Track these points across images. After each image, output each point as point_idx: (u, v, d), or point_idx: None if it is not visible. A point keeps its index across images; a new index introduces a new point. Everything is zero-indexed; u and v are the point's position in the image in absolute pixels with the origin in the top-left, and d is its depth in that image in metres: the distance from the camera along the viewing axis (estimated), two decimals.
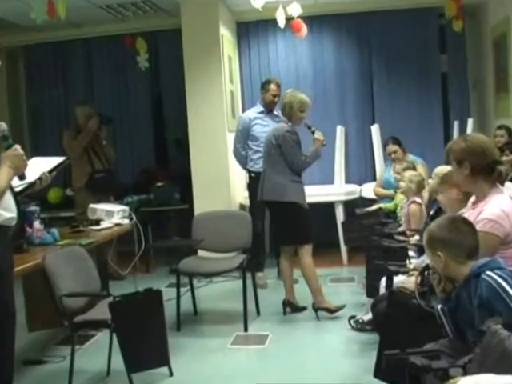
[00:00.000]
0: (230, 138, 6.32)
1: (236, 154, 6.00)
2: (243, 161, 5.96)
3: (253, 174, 5.83)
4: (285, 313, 4.81)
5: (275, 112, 5.87)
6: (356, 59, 7.23)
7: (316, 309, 4.68)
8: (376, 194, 6.14)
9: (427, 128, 7.11)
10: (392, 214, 5.41)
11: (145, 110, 7.93)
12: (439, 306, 2.43)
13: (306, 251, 4.68)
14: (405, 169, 5.14)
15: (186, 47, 6.39)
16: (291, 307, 4.86)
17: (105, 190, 6.11)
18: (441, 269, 2.37)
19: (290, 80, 6.93)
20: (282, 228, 4.80)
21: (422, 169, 5.58)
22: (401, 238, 4.19)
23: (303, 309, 4.90)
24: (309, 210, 4.78)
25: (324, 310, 4.67)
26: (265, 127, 5.73)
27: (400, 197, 5.22)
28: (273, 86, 5.78)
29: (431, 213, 3.95)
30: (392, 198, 5.60)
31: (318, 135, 4.78)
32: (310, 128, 4.83)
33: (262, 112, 5.87)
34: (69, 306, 3.46)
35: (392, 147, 5.96)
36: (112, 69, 7.83)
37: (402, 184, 4.76)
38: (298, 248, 4.69)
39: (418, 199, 4.60)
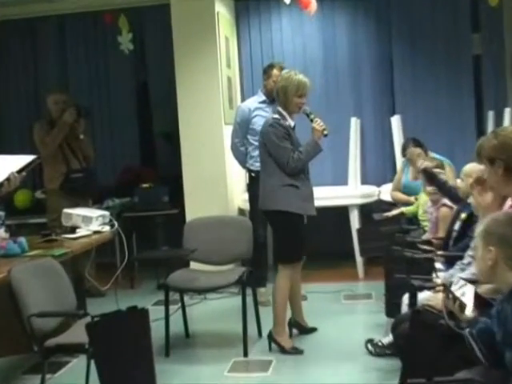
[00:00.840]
0: (227, 131, 6.30)
1: (234, 150, 5.99)
2: (242, 158, 5.95)
3: (253, 174, 5.82)
4: (291, 335, 4.79)
5: None
6: (374, 40, 7.23)
7: (271, 339, 4.60)
8: (394, 199, 6.13)
9: (457, 120, 7.10)
10: (415, 220, 5.41)
11: (128, 100, 7.93)
12: (467, 330, 2.41)
13: (285, 273, 4.55)
14: (436, 167, 5.13)
15: (175, 26, 6.39)
16: (299, 328, 4.84)
17: (82, 192, 6.10)
18: (487, 267, 2.35)
19: (296, 65, 6.91)
20: (276, 241, 4.81)
21: (449, 170, 5.56)
22: (426, 247, 4.18)
23: (312, 330, 4.88)
24: (311, 219, 4.61)
25: (277, 345, 4.56)
26: None
27: (423, 198, 5.22)
28: (276, 72, 5.76)
29: (462, 217, 3.94)
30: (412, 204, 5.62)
31: (316, 124, 4.54)
32: (308, 115, 4.61)
33: (263, 102, 5.86)
34: (39, 327, 3.44)
35: (415, 150, 5.86)
36: (90, 51, 7.84)
37: (432, 188, 4.74)
38: (278, 266, 4.63)
39: (449, 202, 4.60)
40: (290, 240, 4.50)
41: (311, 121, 4.58)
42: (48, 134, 6.07)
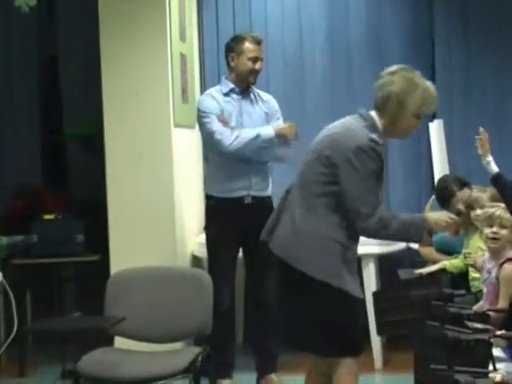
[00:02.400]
0: (179, 137, 6.33)
1: (239, 143, 5.84)
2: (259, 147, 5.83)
3: (213, 202, 5.85)
4: None
5: (255, 92, 6.01)
6: (405, 5, 7.32)
7: None
8: (427, 259, 6.15)
9: None
10: (463, 280, 5.47)
11: (25, 84, 7.93)
12: None
13: (348, 369, 4.34)
14: (493, 199, 5.18)
15: None
16: None
17: None
18: None
19: (286, 38, 7.01)
20: (301, 318, 4.38)
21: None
22: (478, 325, 4.19)
23: None
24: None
25: None
26: (239, 118, 5.84)
27: (477, 245, 5.31)
28: (250, 45, 5.86)
29: None
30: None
31: (446, 221, 4.42)
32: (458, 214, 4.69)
33: (231, 91, 5.91)
34: None
35: (464, 194, 5.92)
36: None
37: (493, 232, 4.76)
38: (332, 362, 4.38)
39: None
40: (335, 318, 4.27)
41: (457, 214, 4.69)
42: None
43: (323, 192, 4.24)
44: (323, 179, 4.24)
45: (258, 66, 5.86)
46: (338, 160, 4.19)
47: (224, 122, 5.72)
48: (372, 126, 4.25)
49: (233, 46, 5.94)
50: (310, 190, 4.30)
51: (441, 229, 4.57)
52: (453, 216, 4.44)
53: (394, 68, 4.42)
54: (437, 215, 4.42)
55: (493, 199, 5.25)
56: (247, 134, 5.64)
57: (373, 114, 4.31)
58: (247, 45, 5.86)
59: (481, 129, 4.98)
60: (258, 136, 5.62)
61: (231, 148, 5.66)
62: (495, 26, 7.20)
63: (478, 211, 5.38)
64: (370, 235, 4.31)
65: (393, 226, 4.20)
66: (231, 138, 5.66)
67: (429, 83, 4.35)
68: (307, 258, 4.19)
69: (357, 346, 4.37)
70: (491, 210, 4.88)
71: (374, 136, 4.18)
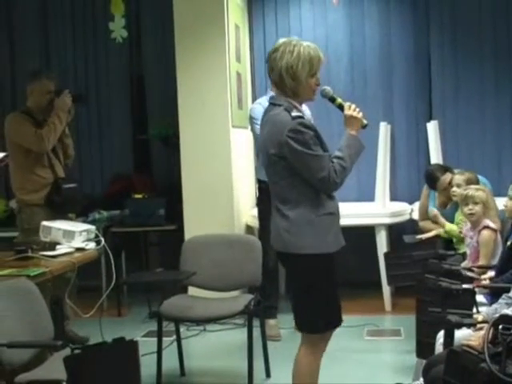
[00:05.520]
0: (236, 135, 6.30)
1: None
2: None
3: (263, 185, 5.83)
4: None
5: None
6: (409, 32, 7.24)
7: None
8: (425, 231, 6.06)
9: (507, 129, 7.06)
10: (453, 243, 5.46)
11: (120, 97, 7.94)
12: None
13: (311, 345, 3.69)
14: (468, 181, 5.14)
15: (177, 12, 6.40)
16: None
17: (72, 205, 5.71)
18: None
19: None
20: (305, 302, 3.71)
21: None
22: (467, 274, 4.18)
23: None
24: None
25: None
26: None
27: (460, 218, 5.28)
28: None
29: (509, 243, 3.93)
30: None
31: (351, 109, 3.69)
32: (332, 99, 3.75)
33: None
34: (9, 359, 3.41)
35: (447, 178, 5.87)
36: (76, 39, 7.85)
37: (469, 209, 4.73)
38: (302, 335, 3.76)
39: (492, 224, 4.60)
40: (326, 295, 3.67)
41: (339, 107, 3.74)
42: (37, 127, 5.44)
43: (293, 185, 3.59)
44: (284, 174, 3.58)
45: None
46: (282, 150, 3.51)
47: None
48: (288, 105, 3.57)
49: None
50: (281, 187, 3.65)
51: (359, 122, 3.65)
52: (352, 106, 3.68)
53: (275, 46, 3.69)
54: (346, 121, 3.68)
55: (468, 182, 5.22)
56: None
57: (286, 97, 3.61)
58: None
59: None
60: None
61: None
62: (480, 47, 7.09)
63: (454, 188, 5.41)
64: (339, 186, 3.58)
65: (346, 164, 3.55)
66: None
67: (308, 44, 3.71)
68: (304, 239, 3.58)
69: (339, 317, 3.72)
70: (464, 192, 4.85)
71: (294, 114, 3.51)
